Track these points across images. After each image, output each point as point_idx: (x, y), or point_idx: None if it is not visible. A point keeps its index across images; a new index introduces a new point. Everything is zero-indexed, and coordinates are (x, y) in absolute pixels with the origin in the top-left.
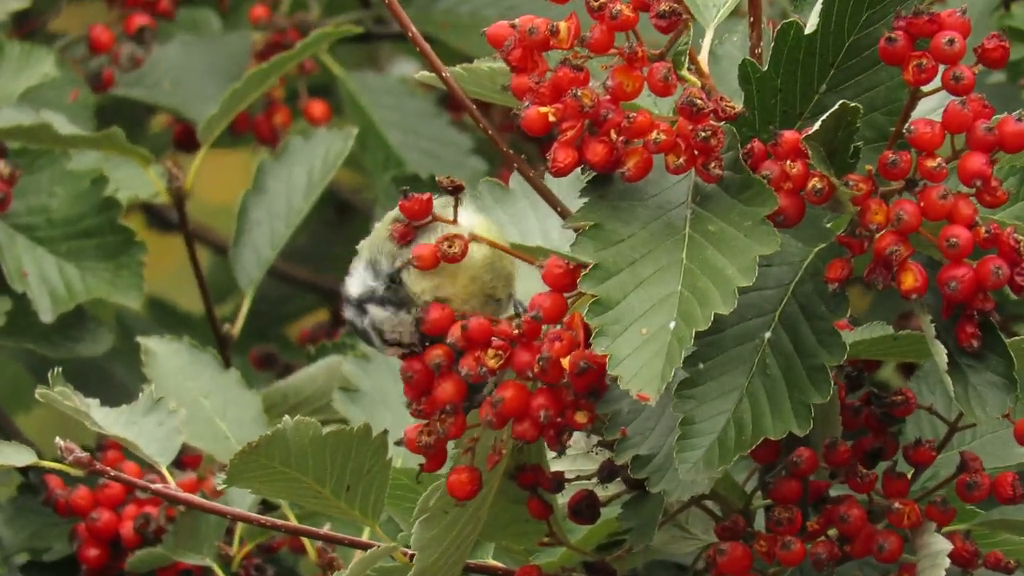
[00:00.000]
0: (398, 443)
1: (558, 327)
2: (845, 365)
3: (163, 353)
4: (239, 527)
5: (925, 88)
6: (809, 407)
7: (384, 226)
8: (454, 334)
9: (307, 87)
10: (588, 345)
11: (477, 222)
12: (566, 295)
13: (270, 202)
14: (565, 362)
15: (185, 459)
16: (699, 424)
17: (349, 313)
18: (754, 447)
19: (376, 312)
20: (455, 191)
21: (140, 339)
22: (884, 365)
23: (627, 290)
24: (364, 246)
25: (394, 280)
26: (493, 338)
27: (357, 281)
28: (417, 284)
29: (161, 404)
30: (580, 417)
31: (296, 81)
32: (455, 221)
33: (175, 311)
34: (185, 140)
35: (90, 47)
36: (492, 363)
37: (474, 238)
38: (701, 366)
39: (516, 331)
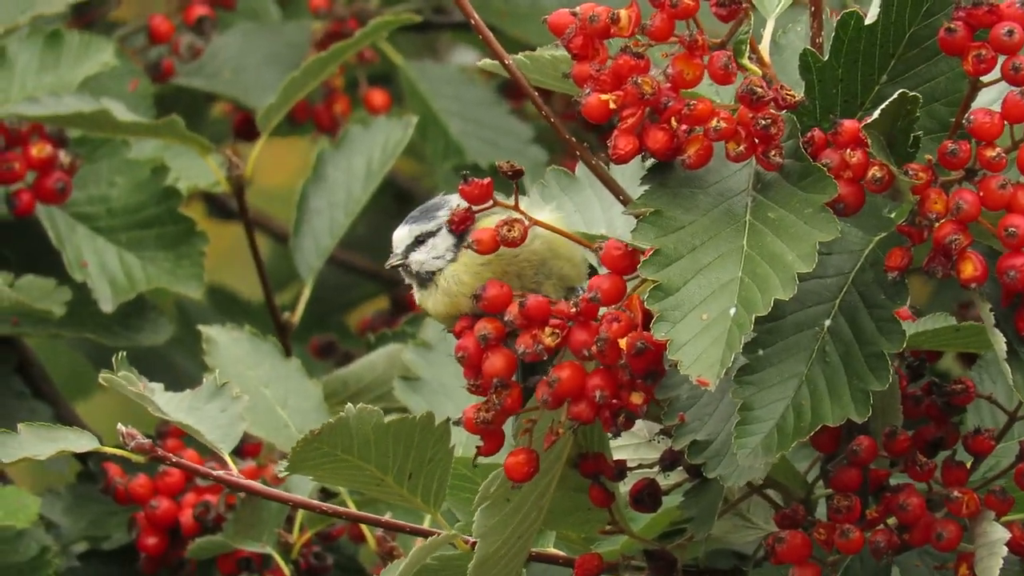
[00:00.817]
0: (456, 423)
1: (616, 308)
2: (907, 355)
3: (224, 342)
4: (299, 515)
5: (984, 78)
6: (868, 394)
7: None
8: (512, 311)
9: (367, 76)
10: (646, 327)
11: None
12: (625, 277)
13: (330, 191)
14: (623, 343)
15: (245, 447)
16: (758, 410)
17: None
18: (813, 434)
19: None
20: (515, 176)
21: (201, 328)
22: (945, 354)
23: (687, 276)
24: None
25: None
26: (551, 317)
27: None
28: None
29: (224, 390)
30: (636, 398)
31: (356, 70)
32: (517, 206)
33: (235, 299)
34: (245, 129)
35: (150, 37)
36: (549, 341)
37: (534, 223)
38: (761, 352)
39: (573, 310)
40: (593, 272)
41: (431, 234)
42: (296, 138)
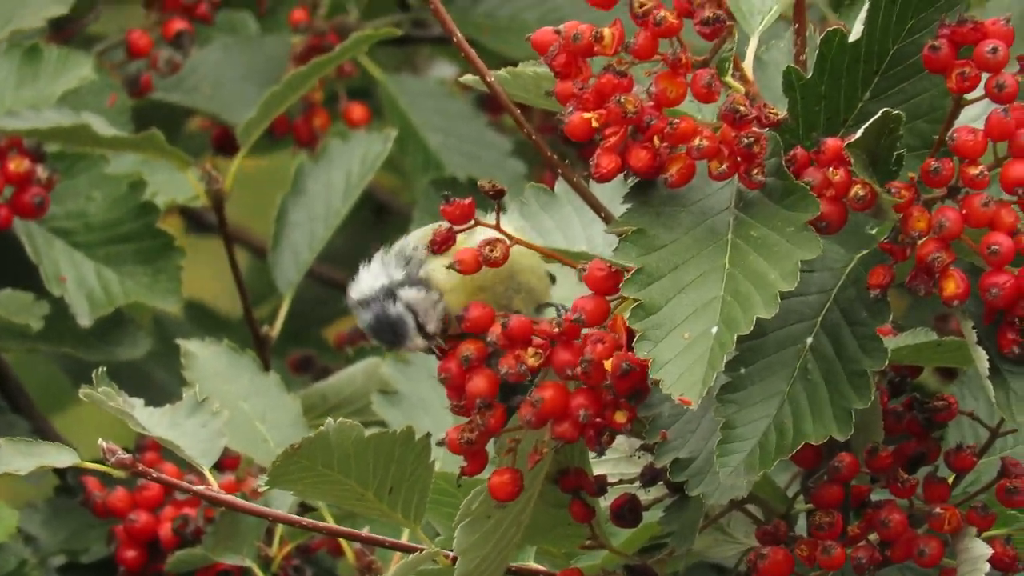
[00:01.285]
0: (440, 443)
1: (600, 329)
2: (888, 371)
3: (203, 356)
4: (279, 528)
5: (968, 96)
6: (850, 412)
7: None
8: (494, 332)
9: (346, 90)
10: (630, 348)
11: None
12: (608, 298)
13: (309, 204)
14: (607, 364)
15: (224, 460)
16: (740, 428)
17: (370, 312)
18: (795, 452)
19: (409, 293)
20: (496, 195)
21: (180, 342)
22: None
23: (669, 295)
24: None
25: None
26: (533, 337)
27: (375, 274)
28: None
29: (205, 406)
30: (620, 417)
31: (335, 84)
32: (498, 226)
33: (213, 314)
34: (223, 143)
35: (128, 52)
36: (532, 361)
37: (516, 243)
38: (743, 371)
39: (556, 330)
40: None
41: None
42: (275, 153)
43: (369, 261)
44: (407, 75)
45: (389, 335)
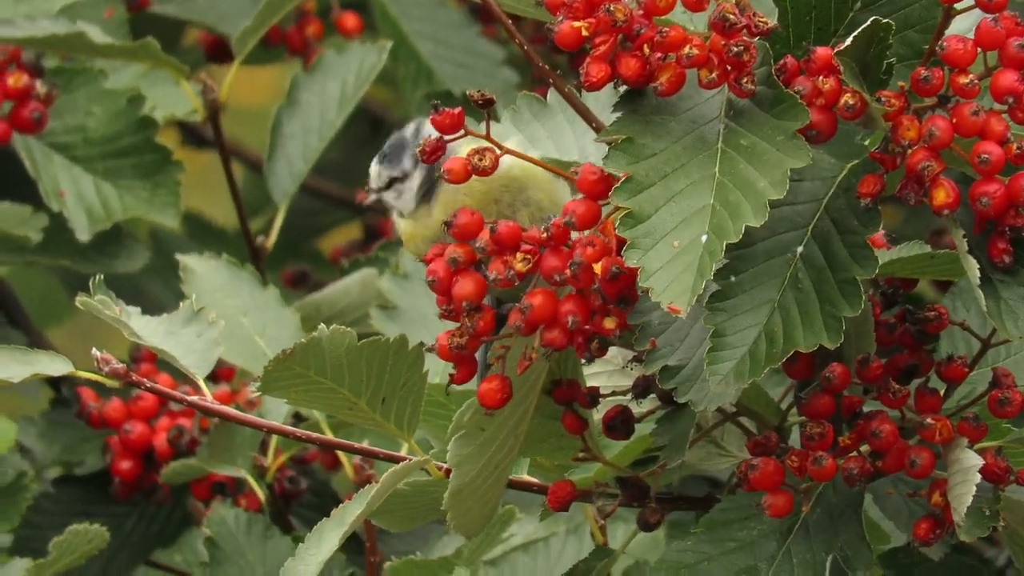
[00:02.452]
0: (429, 349)
1: (590, 233)
2: (881, 283)
3: (202, 271)
4: (274, 440)
5: (958, 6)
6: (840, 320)
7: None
8: (482, 238)
9: (340, 1)
10: (619, 253)
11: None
12: (600, 202)
13: (304, 116)
14: (597, 267)
15: (219, 371)
16: (730, 336)
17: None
18: (787, 361)
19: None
20: (485, 105)
21: (179, 257)
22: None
23: (659, 203)
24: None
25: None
26: (522, 243)
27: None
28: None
29: (201, 315)
30: (608, 323)
31: None
32: (488, 135)
33: (210, 226)
34: (217, 52)
35: None
36: (520, 267)
37: (506, 151)
38: (732, 279)
39: (544, 235)
40: None
41: (399, 180)
42: (269, 64)
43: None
44: None
45: (389, 147)
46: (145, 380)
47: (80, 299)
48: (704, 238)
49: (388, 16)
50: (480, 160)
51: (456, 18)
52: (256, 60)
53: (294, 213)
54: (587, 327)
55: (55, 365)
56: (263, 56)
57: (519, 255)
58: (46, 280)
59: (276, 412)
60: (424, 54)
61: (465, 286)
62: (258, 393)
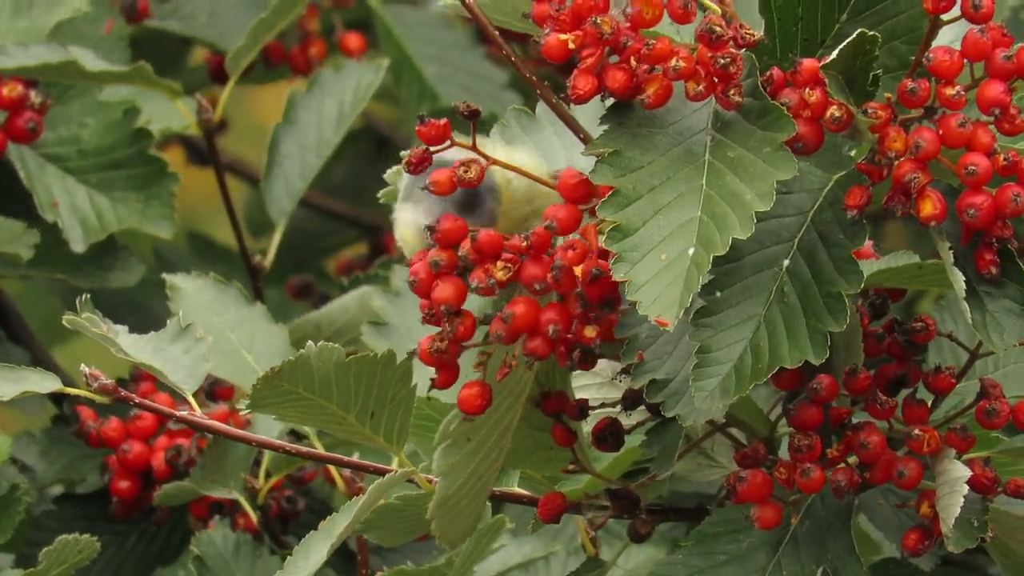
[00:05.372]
0: (411, 354)
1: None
2: (870, 293)
3: (189, 289)
4: (265, 460)
5: (945, 17)
6: (826, 335)
7: None
8: (464, 246)
9: (344, 21)
10: (601, 256)
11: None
12: (581, 207)
13: (301, 134)
14: (578, 270)
15: (218, 390)
16: (716, 352)
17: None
18: (775, 375)
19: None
20: (471, 116)
21: (166, 276)
22: (923, 296)
23: (646, 216)
24: None
25: None
26: (503, 252)
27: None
28: None
29: (188, 331)
30: (589, 331)
31: (332, 14)
32: (474, 146)
33: (214, 245)
34: (219, 72)
35: None
36: (500, 275)
37: (494, 163)
38: (719, 294)
39: (525, 244)
40: None
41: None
42: (275, 82)
43: None
44: (404, 6)
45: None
46: (134, 396)
47: (67, 317)
48: (691, 251)
49: (392, 36)
50: (466, 172)
51: (461, 40)
52: (260, 79)
53: (300, 233)
54: (569, 336)
55: (44, 383)
56: (266, 75)
57: (499, 263)
58: (50, 299)
59: (269, 432)
60: (428, 76)
61: (444, 290)
62: (247, 411)
